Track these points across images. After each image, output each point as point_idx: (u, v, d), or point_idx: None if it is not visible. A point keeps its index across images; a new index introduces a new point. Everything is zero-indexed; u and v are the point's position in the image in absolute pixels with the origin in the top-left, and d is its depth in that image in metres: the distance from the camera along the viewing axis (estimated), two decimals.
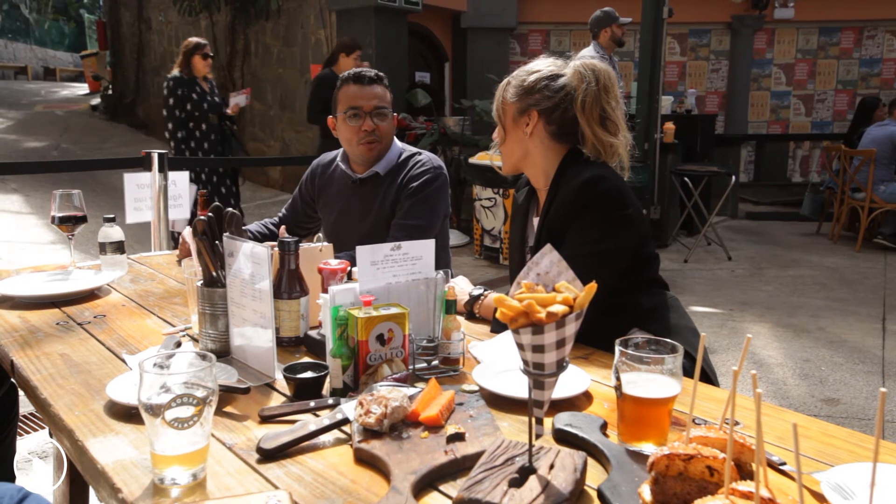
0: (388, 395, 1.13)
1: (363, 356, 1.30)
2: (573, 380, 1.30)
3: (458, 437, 1.09)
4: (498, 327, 1.65)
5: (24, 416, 2.91)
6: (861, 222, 6.68)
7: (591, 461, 1.05)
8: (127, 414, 1.21)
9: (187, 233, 2.39)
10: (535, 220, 1.79)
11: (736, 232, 7.50)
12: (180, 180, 3.44)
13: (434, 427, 1.13)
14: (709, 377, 1.64)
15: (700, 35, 9.82)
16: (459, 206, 6.72)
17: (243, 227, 1.55)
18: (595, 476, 1.02)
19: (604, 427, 1.15)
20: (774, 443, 1.13)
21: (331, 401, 1.24)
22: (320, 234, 2.39)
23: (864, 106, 7.51)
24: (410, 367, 1.37)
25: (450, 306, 1.45)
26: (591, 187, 1.60)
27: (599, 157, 1.69)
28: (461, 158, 6.51)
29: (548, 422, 1.17)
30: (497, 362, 1.39)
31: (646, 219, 1.75)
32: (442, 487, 1.00)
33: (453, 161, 6.61)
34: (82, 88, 18.06)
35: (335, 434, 1.14)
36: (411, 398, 1.17)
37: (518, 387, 1.24)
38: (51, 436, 1.44)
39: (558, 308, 0.93)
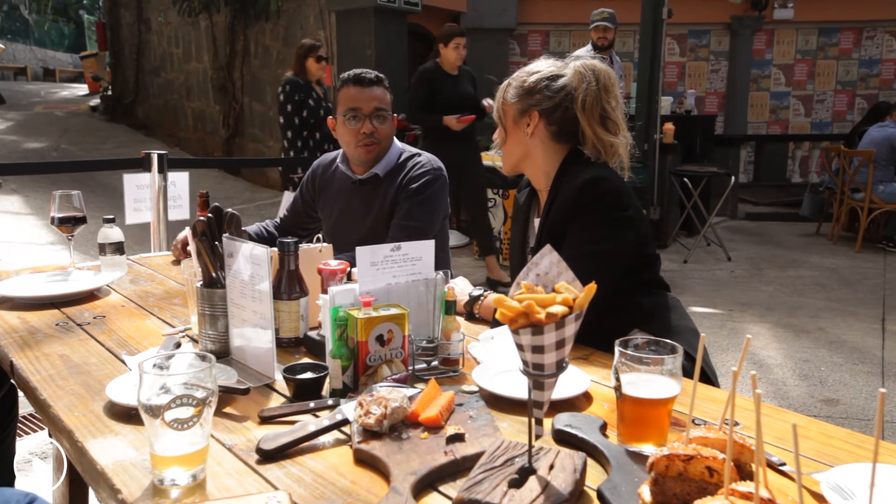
0: (387, 395, 1.13)
1: (363, 357, 1.30)
2: (573, 380, 1.30)
3: (457, 438, 1.09)
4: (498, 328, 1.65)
5: (24, 417, 2.90)
6: (861, 223, 6.69)
7: (590, 462, 1.05)
8: (126, 415, 1.21)
9: (179, 237, 2.39)
10: (536, 221, 1.80)
11: (735, 232, 7.50)
12: (180, 181, 3.44)
13: (434, 428, 1.13)
14: (709, 378, 1.64)
15: (699, 36, 9.82)
16: (459, 206, 6.72)
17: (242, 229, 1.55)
18: (595, 477, 1.02)
19: (603, 428, 1.15)
20: (774, 443, 1.13)
21: (330, 401, 1.24)
22: (320, 235, 2.39)
23: (877, 109, 7.48)
24: (410, 367, 1.37)
25: (449, 307, 1.45)
26: (592, 188, 1.61)
27: (600, 158, 1.69)
28: None
29: (547, 422, 1.17)
30: (496, 363, 1.39)
31: (646, 219, 1.75)
32: (442, 488, 1.00)
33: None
34: (82, 89, 18.07)
35: (335, 435, 1.14)
36: (411, 399, 1.17)
37: (518, 387, 1.25)
38: (50, 436, 1.44)
39: (558, 309, 0.93)
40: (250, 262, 1.38)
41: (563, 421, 1.16)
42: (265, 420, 1.20)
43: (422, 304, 1.49)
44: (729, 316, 4.70)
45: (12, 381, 1.65)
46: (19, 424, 2.62)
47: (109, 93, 13.43)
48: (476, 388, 1.31)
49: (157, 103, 11.75)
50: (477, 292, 1.78)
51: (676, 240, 6.80)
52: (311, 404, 1.23)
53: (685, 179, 6.64)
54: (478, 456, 1.03)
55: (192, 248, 1.55)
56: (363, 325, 1.29)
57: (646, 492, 0.92)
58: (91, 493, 1.97)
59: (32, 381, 1.36)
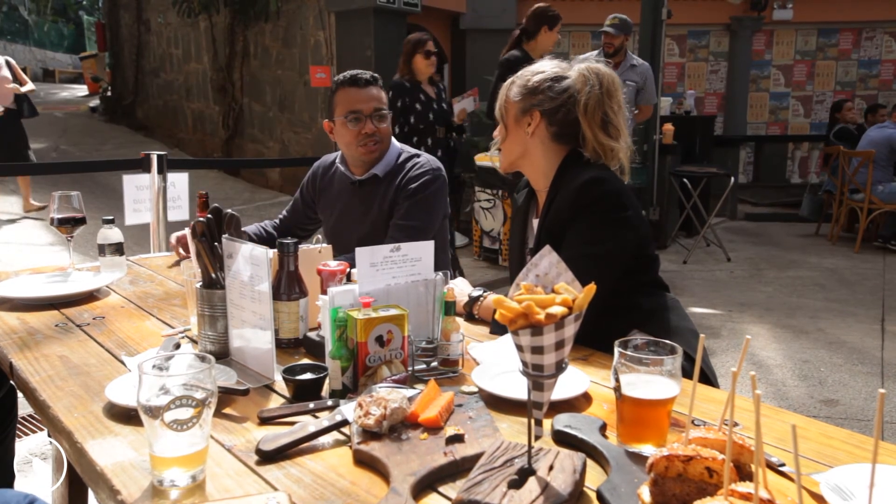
0: (387, 396, 1.13)
1: (362, 358, 1.30)
2: (572, 381, 1.30)
3: (457, 439, 1.09)
4: (497, 329, 1.65)
5: (24, 418, 2.90)
6: (860, 223, 6.69)
7: (590, 462, 1.05)
8: (126, 416, 1.21)
9: (172, 238, 2.39)
10: (535, 222, 1.80)
11: (735, 233, 7.51)
12: (179, 182, 3.44)
13: (433, 428, 1.13)
14: (708, 378, 1.64)
15: (699, 36, 9.83)
16: (459, 207, 6.72)
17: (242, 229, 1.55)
18: (594, 477, 1.02)
19: (603, 428, 1.15)
20: (773, 444, 1.13)
21: (330, 402, 1.24)
22: (319, 236, 2.39)
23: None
24: (409, 368, 1.37)
25: (449, 308, 1.45)
26: (591, 189, 1.61)
27: (599, 160, 1.69)
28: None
29: (547, 423, 1.17)
30: (496, 364, 1.39)
31: (645, 220, 1.76)
32: (441, 489, 1.00)
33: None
34: (81, 90, 18.05)
35: (334, 436, 1.14)
36: (410, 399, 1.17)
37: (517, 388, 1.24)
38: (50, 437, 1.44)
39: (557, 309, 0.93)
40: (250, 262, 1.38)
41: (563, 422, 1.16)
42: (265, 421, 1.20)
43: (421, 305, 1.49)
44: (728, 316, 4.70)
45: (12, 381, 1.65)
46: (19, 425, 2.62)
47: (109, 94, 13.43)
48: (475, 389, 1.31)
49: (156, 104, 11.75)
50: (476, 293, 1.78)
51: (676, 240, 6.80)
52: (311, 405, 1.23)
53: (685, 180, 6.64)
54: (477, 457, 1.03)
55: (191, 248, 1.55)
56: (363, 326, 1.28)
57: (645, 492, 0.92)
58: (90, 493, 1.97)
59: (32, 381, 1.36)
